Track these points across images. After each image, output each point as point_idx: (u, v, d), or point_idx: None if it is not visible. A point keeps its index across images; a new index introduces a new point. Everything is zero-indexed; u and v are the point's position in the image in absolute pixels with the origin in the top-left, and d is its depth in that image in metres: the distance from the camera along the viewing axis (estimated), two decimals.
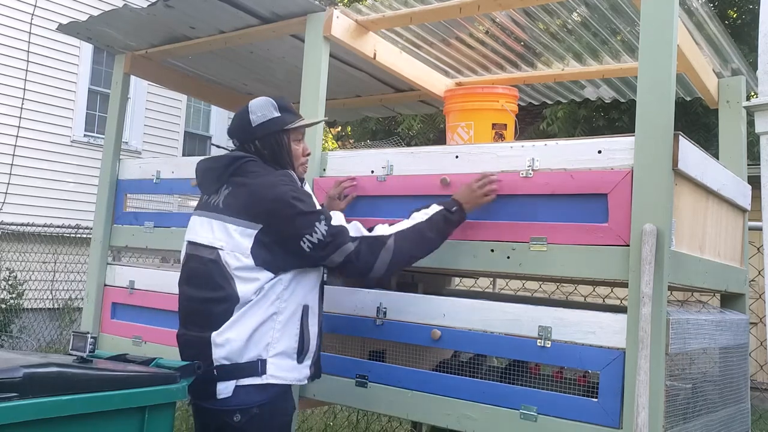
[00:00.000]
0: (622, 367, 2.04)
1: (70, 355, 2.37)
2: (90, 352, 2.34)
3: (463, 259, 2.40)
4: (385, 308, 2.50)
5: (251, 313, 2.09)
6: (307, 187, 2.35)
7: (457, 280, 3.85)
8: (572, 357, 2.15)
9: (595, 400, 2.09)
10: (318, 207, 2.20)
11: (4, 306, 8.16)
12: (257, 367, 2.09)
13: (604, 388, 2.07)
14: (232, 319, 2.09)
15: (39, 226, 8.36)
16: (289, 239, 2.09)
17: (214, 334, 2.12)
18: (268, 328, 2.10)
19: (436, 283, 3.42)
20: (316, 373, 2.27)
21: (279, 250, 2.10)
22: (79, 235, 8.37)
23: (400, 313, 2.47)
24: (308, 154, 2.36)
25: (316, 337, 2.22)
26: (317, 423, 5.01)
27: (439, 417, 2.35)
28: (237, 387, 2.08)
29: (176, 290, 3.19)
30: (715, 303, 2.91)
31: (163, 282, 3.25)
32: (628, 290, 2.07)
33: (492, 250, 2.34)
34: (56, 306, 8.67)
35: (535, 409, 2.18)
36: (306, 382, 2.23)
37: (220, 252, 2.14)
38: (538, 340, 2.20)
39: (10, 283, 8.24)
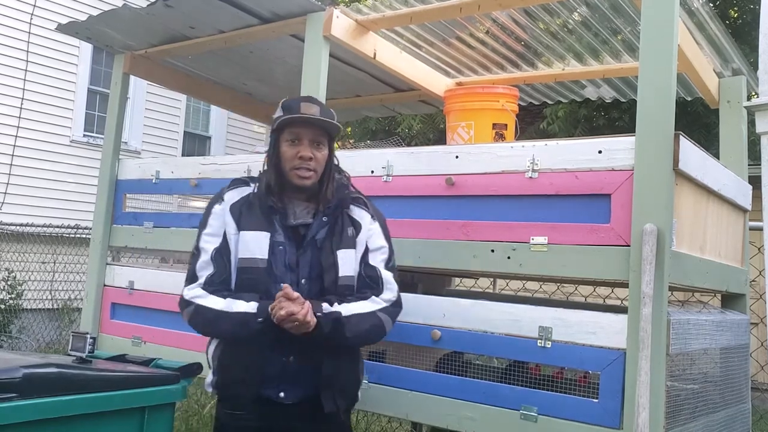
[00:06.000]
0: (623, 367, 2.04)
1: (69, 355, 2.37)
2: (89, 352, 2.34)
3: (463, 259, 2.40)
4: None
5: None
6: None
7: (457, 280, 3.84)
8: (573, 357, 2.15)
9: (596, 400, 2.09)
10: (205, 228, 2.17)
11: (3, 306, 8.15)
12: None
13: (604, 388, 2.07)
14: None
15: (38, 226, 8.35)
16: None
17: None
18: None
19: (436, 283, 3.42)
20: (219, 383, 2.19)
21: None
22: (78, 235, 8.37)
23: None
24: (302, 158, 2.13)
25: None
26: None
27: (439, 417, 2.35)
28: None
29: (175, 291, 3.20)
30: (715, 303, 2.90)
31: (162, 282, 3.24)
32: (628, 290, 2.06)
33: (492, 250, 2.34)
34: (56, 306, 8.66)
35: (535, 410, 2.17)
36: (210, 390, 2.21)
37: None
38: (539, 341, 2.20)
39: (9, 283, 8.24)
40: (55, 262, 8.64)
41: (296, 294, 1.97)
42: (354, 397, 2.22)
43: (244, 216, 2.15)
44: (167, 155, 10.01)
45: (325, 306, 2.03)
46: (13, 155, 8.70)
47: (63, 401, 2.02)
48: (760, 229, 2.38)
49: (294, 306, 1.94)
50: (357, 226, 2.20)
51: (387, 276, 2.17)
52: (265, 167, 2.24)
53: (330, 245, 2.15)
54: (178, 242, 3.28)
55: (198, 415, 4.80)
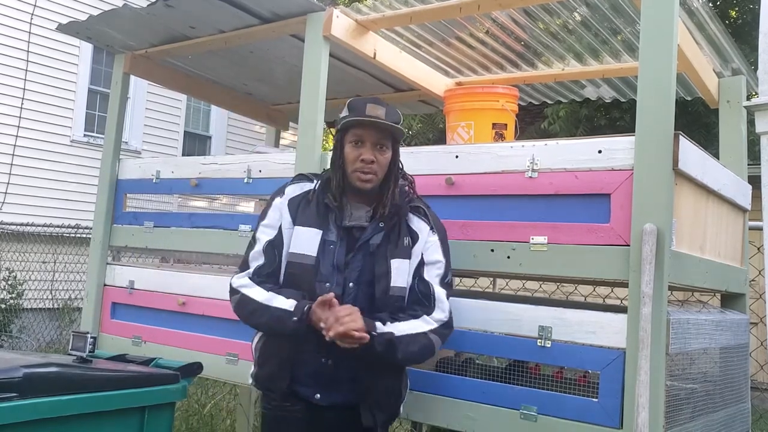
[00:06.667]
0: (623, 367, 2.04)
1: (69, 355, 2.38)
2: (90, 352, 2.34)
3: (463, 259, 2.40)
4: None
5: None
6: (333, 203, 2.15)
7: (457, 280, 3.84)
8: (572, 357, 2.15)
9: (596, 400, 2.09)
10: (263, 219, 2.18)
11: (3, 306, 8.16)
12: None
13: (604, 388, 2.07)
14: None
15: (39, 226, 8.36)
16: None
17: None
18: None
19: None
20: (257, 376, 2.19)
21: None
22: (78, 235, 8.38)
23: None
24: (364, 160, 2.10)
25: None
26: None
27: (439, 417, 2.35)
28: None
29: (176, 290, 3.21)
30: (715, 303, 2.90)
31: (163, 282, 3.24)
32: (628, 290, 2.07)
33: (492, 250, 2.34)
34: (56, 306, 8.67)
35: (535, 409, 2.17)
36: (250, 381, 2.23)
37: None
38: (539, 340, 2.20)
39: (9, 283, 8.24)
40: (55, 262, 8.65)
41: (338, 306, 1.96)
42: (394, 412, 2.18)
43: (301, 211, 2.15)
44: (167, 155, 10.02)
45: (379, 325, 1.99)
46: (13, 155, 8.71)
47: (63, 401, 2.02)
48: (760, 228, 2.38)
49: (352, 323, 1.90)
50: (414, 237, 2.15)
51: (440, 294, 2.11)
52: (328, 166, 2.24)
53: (385, 252, 2.10)
54: (179, 242, 3.28)
55: (198, 415, 4.80)
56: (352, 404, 2.08)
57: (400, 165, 2.23)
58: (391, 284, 2.07)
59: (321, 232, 2.11)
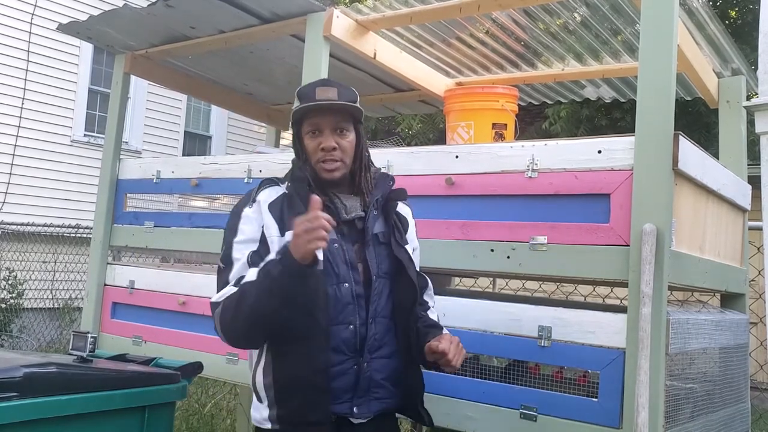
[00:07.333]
0: (622, 366, 2.04)
1: (70, 354, 2.38)
2: (90, 351, 2.34)
3: (463, 259, 2.40)
4: None
5: None
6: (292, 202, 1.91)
7: (457, 280, 3.84)
8: (572, 357, 2.15)
9: (595, 400, 2.09)
10: (236, 236, 1.89)
11: (4, 306, 8.17)
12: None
13: (604, 387, 2.08)
14: None
15: (39, 225, 8.37)
16: None
17: None
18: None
19: (436, 283, 3.41)
20: (283, 416, 1.85)
21: None
22: (79, 235, 8.38)
23: None
24: (324, 149, 1.91)
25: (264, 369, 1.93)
26: None
27: (439, 417, 2.35)
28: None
29: (176, 290, 3.21)
30: (715, 303, 2.91)
31: (163, 282, 3.25)
32: (628, 290, 2.07)
33: (492, 250, 2.34)
34: (56, 306, 8.67)
35: (535, 409, 2.18)
36: (269, 425, 1.89)
37: None
38: (538, 340, 2.20)
39: (10, 282, 8.25)
40: (55, 262, 8.66)
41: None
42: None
43: (286, 216, 1.87)
44: (168, 155, 10.02)
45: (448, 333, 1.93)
46: (14, 155, 8.71)
47: (63, 400, 2.03)
48: (760, 228, 2.39)
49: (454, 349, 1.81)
50: (403, 222, 2.05)
51: (431, 284, 2.14)
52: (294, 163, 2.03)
53: (397, 239, 1.97)
54: (179, 242, 3.29)
55: (198, 415, 4.81)
56: (387, 410, 1.94)
57: (367, 151, 2.03)
58: (417, 269, 2.02)
59: None
